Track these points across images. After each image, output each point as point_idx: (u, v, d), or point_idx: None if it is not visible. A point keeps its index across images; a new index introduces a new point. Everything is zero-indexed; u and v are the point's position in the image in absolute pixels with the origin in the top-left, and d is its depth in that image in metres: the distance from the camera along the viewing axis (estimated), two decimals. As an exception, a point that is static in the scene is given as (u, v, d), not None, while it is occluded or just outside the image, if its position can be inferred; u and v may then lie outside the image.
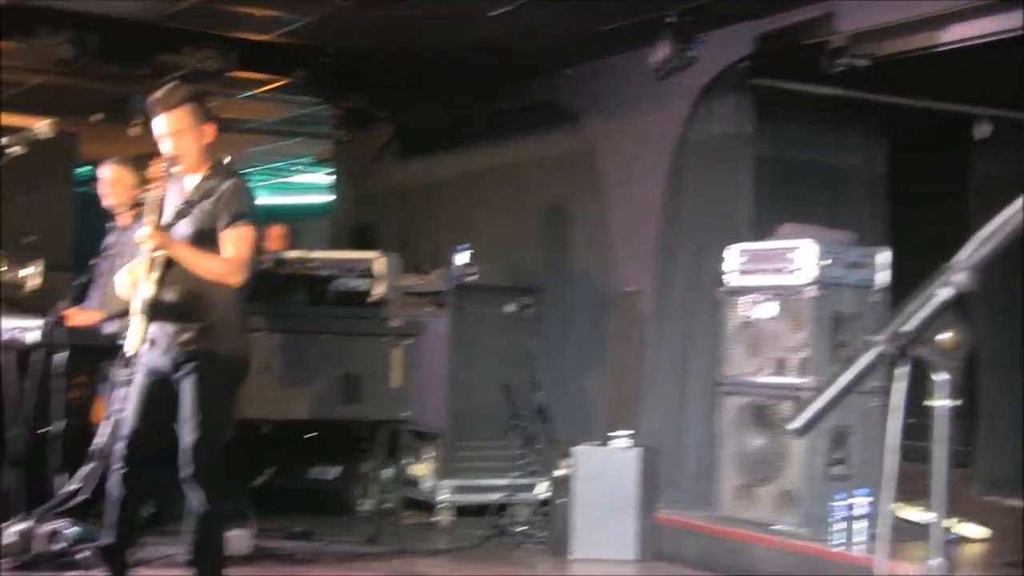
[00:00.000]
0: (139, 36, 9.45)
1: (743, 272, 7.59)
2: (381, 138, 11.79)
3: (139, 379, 5.89)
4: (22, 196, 9.41)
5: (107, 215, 7.83)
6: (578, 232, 9.36)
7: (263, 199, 17.23)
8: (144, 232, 5.77)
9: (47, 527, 6.81)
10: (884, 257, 7.43)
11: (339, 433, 8.86)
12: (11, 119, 10.86)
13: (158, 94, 5.95)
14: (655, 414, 8.28)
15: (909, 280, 2.66)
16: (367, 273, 7.85)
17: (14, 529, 6.73)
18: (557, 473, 7.99)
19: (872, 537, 6.86)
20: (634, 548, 7.71)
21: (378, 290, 7.93)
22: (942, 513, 2.48)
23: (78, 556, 6.70)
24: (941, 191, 9.71)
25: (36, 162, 8.70)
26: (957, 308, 2.38)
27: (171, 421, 5.92)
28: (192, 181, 5.95)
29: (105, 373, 7.47)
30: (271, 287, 7.79)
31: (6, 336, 7.20)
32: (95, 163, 8.68)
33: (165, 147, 5.88)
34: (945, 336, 2.40)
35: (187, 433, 5.83)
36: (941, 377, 2.44)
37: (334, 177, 13.37)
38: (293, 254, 8.99)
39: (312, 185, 16.98)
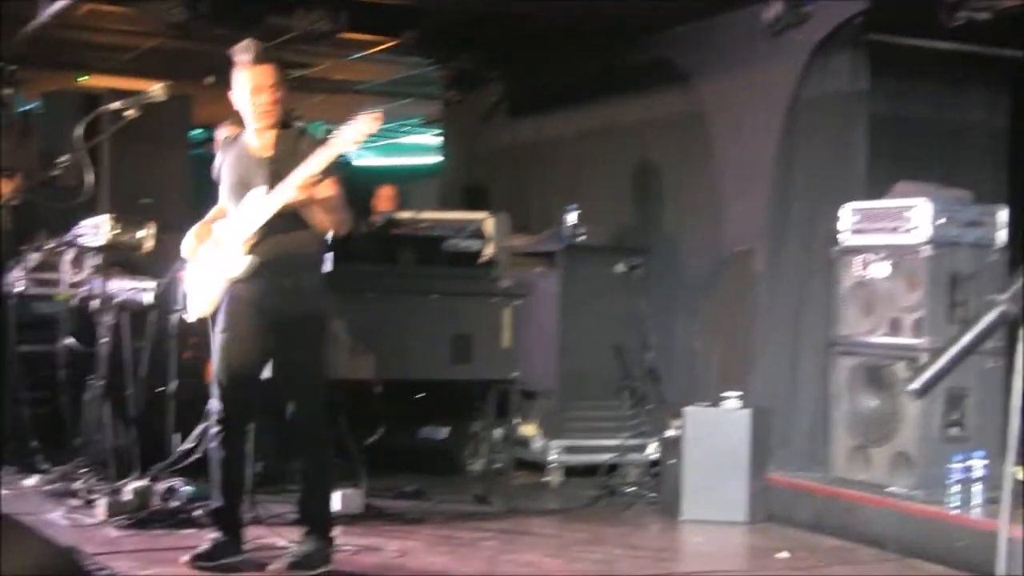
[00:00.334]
0: (250, -2, 9.53)
1: (857, 231, 7.49)
2: (491, 99, 11.77)
3: (226, 339, 5.97)
4: (137, 159, 9.51)
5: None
6: (689, 191, 9.28)
7: (373, 160, 17.31)
8: (256, 193, 5.83)
9: (162, 485, 6.92)
10: (1003, 215, 7.29)
11: (449, 393, 8.90)
12: (126, 83, 11.02)
13: (251, 46, 5.99)
14: (767, 375, 8.21)
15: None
16: (477, 233, 7.85)
17: (130, 488, 6.84)
18: (667, 434, 7.96)
19: (989, 500, 6.76)
20: (745, 510, 7.67)
21: (488, 250, 7.93)
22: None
23: (192, 514, 6.81)
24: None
25: (151, 125, 8.84)
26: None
27: (260, 380, 6.03)
28: (263, 140, 6.00)
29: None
30: (381, 248, 7.82)
31: (121, 297, 7.31)
32: (208, 126, 8.77)
33: (254, 100, 5.93)
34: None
35: (291, 391, 5.96)
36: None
37: (443, 138, 13.38)
38: (403, 215, 9.03)
39: (422, 146, 17.02)
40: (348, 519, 6.86)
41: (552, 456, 8.79)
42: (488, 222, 9.66)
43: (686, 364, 9.13)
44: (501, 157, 11.69)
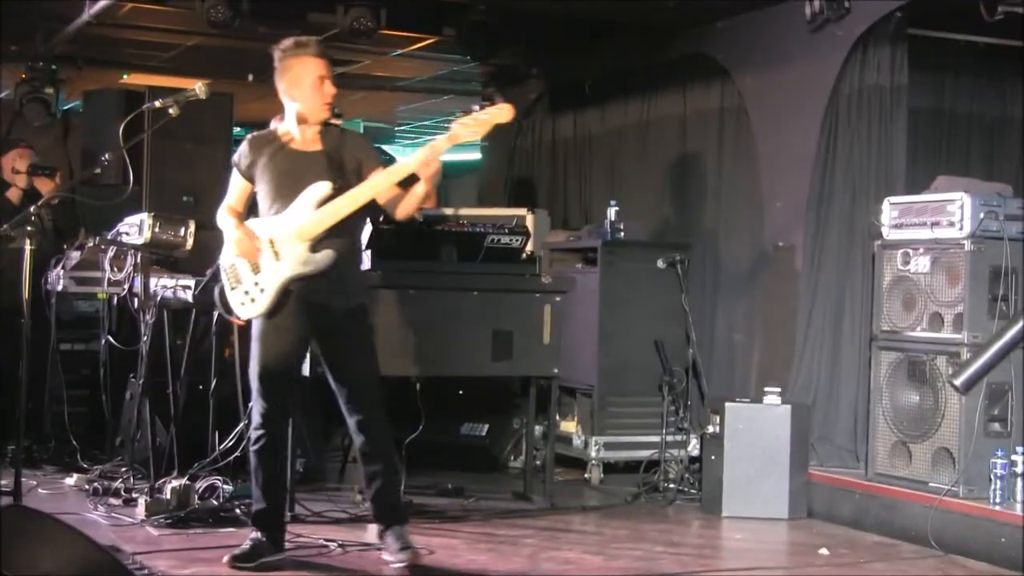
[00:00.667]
0: (292, -5, 9.58)
1: (898, 226, 7.44)
2: (531, 94, 11.77)
3: (274, 337, 5.95)
4: (178, 157, 9.56)
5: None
6: (729, 187, 9.25)
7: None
8: (322, 187, 5.84)
9: (202, 484, 6.95)
10: (1046, 209, 7.24)
11: (490, 390, 8.91)
12: (167, 81, 11.08)
13: (310, 40, 6.05)
14: (808, 370, 8.18)
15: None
16: (518, 230, 7.84)
17: (170, 486, 6.87)
18: (708, 430, 7.94)
19: (1032, 496, 6.74)
20: (786, 506, 7.65)
21: (528, 247, 7.92)
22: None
23: (232, 513, 6.84)
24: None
25: (192, 123, 8.91)
26: None
27: (301, 378, 6.04)
28: (308, 134, 6.02)
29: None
30: (422, 244, 7.83)
31: (162, 295, 7.34)
32: (250, 124, 8.80)
33: (320, 91, 5.94)
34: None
35: (359, 376, 6.01)
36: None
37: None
38: (444, 211, 9.04)
39: (460, 143, 17.01)
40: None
41: (593, 453, 8.78)
42: (528, 218, 9.68)
43: (727, 360, 9.11)
44: (541, 153, 11.69)
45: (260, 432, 6.00)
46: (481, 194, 12.77)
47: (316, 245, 5.86)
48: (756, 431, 7.70)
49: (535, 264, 7.99)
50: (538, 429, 8.45)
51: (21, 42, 10.64)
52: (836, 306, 8.17)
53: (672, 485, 8.29)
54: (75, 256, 8.17)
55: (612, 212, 9.10)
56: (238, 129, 10.99)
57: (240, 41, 10.46)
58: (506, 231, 7.71)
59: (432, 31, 10.34)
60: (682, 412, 8.66)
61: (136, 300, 7.39)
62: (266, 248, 5.91)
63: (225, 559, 5.91)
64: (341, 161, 5.95)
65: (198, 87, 6.81)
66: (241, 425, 7.01)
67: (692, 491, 8.19)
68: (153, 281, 7.39)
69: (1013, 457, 6.80)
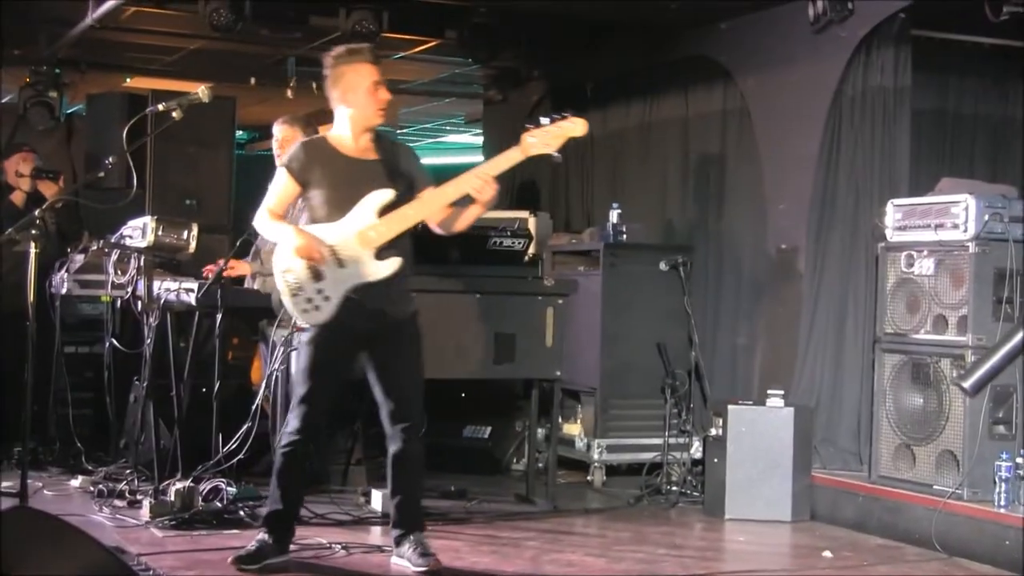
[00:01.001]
0: (293, -1, 9.58)
1: (902, 228, 7.44)
2: (532, 97, 11.77)
3: (329, 345, 5.92)
4: (182, 160, 9.57)
5: (265, 177, 7.92)
6: (732, 189, 9.25)
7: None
8: (385, 194, 5.84)
9: (206, 486, 6.95)
10: (1049, 211, 7.24)
11: (493, 392, 8.91)
12: (170, 85, 11.08)
13: (363, 47, 6.09)
14: (812, 372, 8.18)
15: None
16: (520, 232, 7.84)
17: (174, 488, 6.87)
18: (711, 432, 7.94)
19: (1036, 499, 6.75)
20: (789, 508, 7.65)
21: (531, 249, 7.93)
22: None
23: (236, 514, 6.85)
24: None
25: (195, 126, 8.91)
26: None
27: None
28: (361, 142, 6.00)
29: (264, 334, 7.59)
30: (425, 247, 7.82)
31: (166, 298, 7.34)
32: (252, 127, 8.83)
33: (376, 96, 5.95)
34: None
35: (409, 386, 6.03)
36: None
37: (485, 137, 13.38)
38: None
39: (463, 145, 17.03)
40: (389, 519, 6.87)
41: (595, 455, 8.78)
42: (531, 221, 9.68)
43: (729, 362, 9.11)
44: (543, 155, 11.66)
45: (296, 438, 5.95)
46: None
47: (380, 252, 5.85)
48: (759, 433, 7.70)
49: (537, 267, 7.99)
50: (541, 431, 8.45)
51: (24, 46, 10.65)
52: (839, 308, 8.16)
53: (675, 488, 8.28)
54: (79, 259, 8.17)
55: (614, 214, 9.11)
56: (240, 133, 11.01)
57: (242, 45, 10.48)
58: (508, 234, 7.71)
59: (434, 34, 10.35)
60: (685, 414, 8.65)
61: (139, 303, 7.40)
62: (328, 255, 5.83)
63: (230, 560, 5.91)
64: (399, 171, 5.96)
65: (201, 91, 6.83)
66: (244, 428, 7.01)
67: (695, 494, 8.19)
68: (156, 284, 7.39)
69: (1018, 459, 6.80)
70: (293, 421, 5.97)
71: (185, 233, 7.49)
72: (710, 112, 9.51)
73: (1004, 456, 6.81)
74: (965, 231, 7.05)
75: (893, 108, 8.07)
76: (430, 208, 5.92)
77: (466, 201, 5.95)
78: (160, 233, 7.38)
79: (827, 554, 6.84)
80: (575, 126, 5.88)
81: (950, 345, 7.07)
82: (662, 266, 8.76)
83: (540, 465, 8.28)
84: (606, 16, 9.66)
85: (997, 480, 6.80)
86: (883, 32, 8.00)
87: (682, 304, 8.73)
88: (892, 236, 7.49)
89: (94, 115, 10.25)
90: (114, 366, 8.15)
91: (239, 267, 7.70)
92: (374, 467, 8.02)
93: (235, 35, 9.40)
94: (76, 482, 7.79)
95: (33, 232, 6.24)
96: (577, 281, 8.36)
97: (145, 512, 6.84)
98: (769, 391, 7.83)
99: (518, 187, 11.81)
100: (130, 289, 7.50)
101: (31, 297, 6.26)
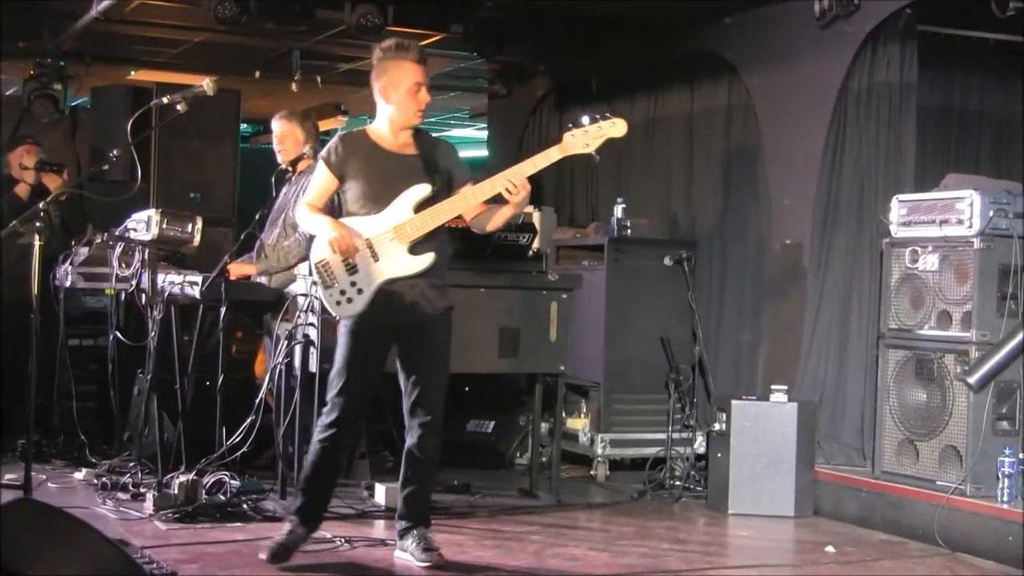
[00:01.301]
0: (299, -9, 9.57)
1: (906, 223, 7.45)
2: (538, 91, 11.77)
3: (367, 337, 5.92)
4: (186, 153, 9.57)
5: (269, 170, 7.93)
6: (736, 185, 9.24)
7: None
8: (422, 189, 5.83)
9: (210, 479, 6.95)
10: (1054, 207, 7.24)
11: (497, 386, 8.91)
12: (174, 78, 11.08)
13: (412, 43, 6.03)
14: (815, 368, 8.17)
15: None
16: (525, 227, 7.84)
17: (178, 481, 6.88)
18: (715, 427, 7.94)
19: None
20: (793, 504, 7.66)
21: (535, 244, 7.92)
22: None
23: (240, 507, 6.85)
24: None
25: (200, 119, 8.91)
26: None
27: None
28: (401, 138, 6.00)
29: (269, 328, 7.60)
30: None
31: (170, 291, 7.35)
32: (257, 120, 8.83)
33: (417, 96, 5.93)
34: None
35: (436, 381, 6.02)
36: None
37: (489, 131, 13.37)
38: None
39: (468, 139, 17.03)
40: (394, 513, 6.88)
41: (599, 450, 8.78)
42: (535, 216, 9.66)
43: (733, 357, 9.10)
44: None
45: (333, 431, 5.92)
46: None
47: (415, 247, 5.84)
48: (762, 429, 7.70)
49: (542, 261, 7.99)
50: (545, 426, 8.46)
51: (29, 39, 10.65)
52: (844, 304, 8.16)
53: (678, 482, 8.28)
54: (83, 252, 8.16)
55: (619, 209, 9.11)
56: (245, 126, 11.00)
57: (248, 38, 10.48)
58: (513, 228, 7.70)
59: (439, 28, 10.33)
60: (688, 409, 8.65)
61: (144, 296, 7.40)
62: (363, 248, 5.84)
63: (263, 556, 5.89)
64: (437, 166, 5.95)
65: (205, 83, 6.83)
66: (248, 421, 7.02)
67: (698, 488, 8.20)
68: (161, 277, 7.40)
69: (1021, 455, 6.80)
70: (330, 414, 5.93)
71: (189, 226, 7.48)
72: (715, 108, 9.49)
73: (1007, 452, 6.81)
74: (970, 227, 7.06)
75: (899, 104, 8.06)
76: (465, 205, 5.91)
77: (500, 200, 5.94)
78: (164, 226, 7.37)
79: (830, 549, 6.85)
80: (615, 127, 5.89)
81: (954, 341, 7.08)
82: (666, 261, 8.76)
83: (544, 459, 8.28)
84: (612, 12, 9.64)
85: (1000, 476, 6.80)
86: (889, 28, 7.99)
87: (686, 299, 8.73)
88: (897, 232, 7.49)
89: (98, 108, 10.25)
90: (118, 359, 8.14)
91: (243, 269, 7.68)
92: (378, 461, 8.03)
93: (240, 28, 9.40)
94: (80, 475, 7.80)
95: (37, 225, 6.24)
96: (581, 276, 8.37)
97: (149, 505, 6.85)
98: (773, 386, 7.83)
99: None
100: (134, 282, 7.50)
101: (35, 290, 6.26)
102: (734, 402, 7.81)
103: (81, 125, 11.23)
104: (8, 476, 7.14)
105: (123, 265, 7.57)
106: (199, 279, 7.24)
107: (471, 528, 7.01)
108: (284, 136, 7.86)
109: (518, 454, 9.12)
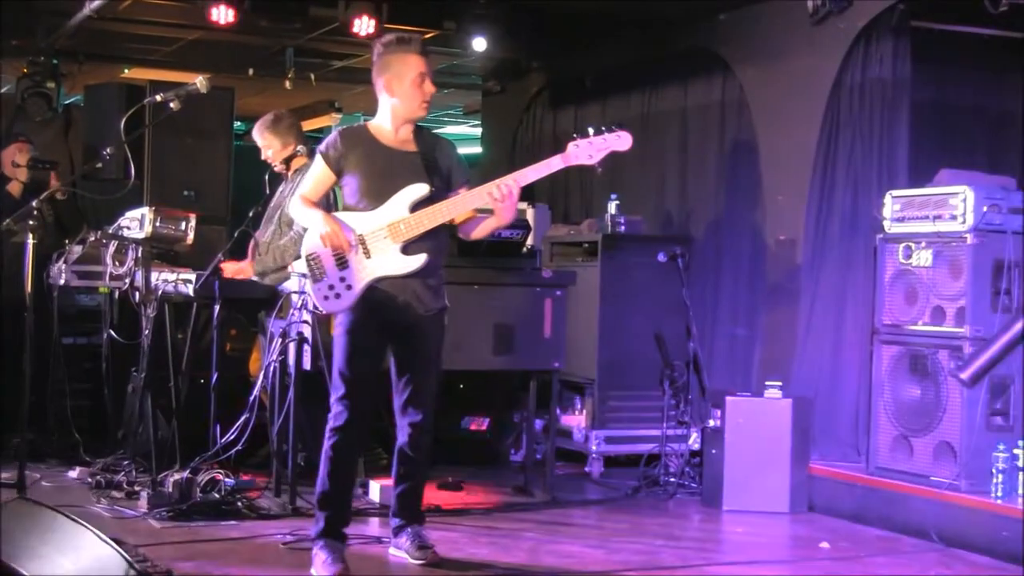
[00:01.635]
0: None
1: (900, 219, 7.45)
2: (532, 88, 11.77)
3: (363, 334, 5.86)
4: (180, 151, 9.54)
5: (263, 168, 7.91)
6: (730, 181, 9.24)
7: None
8: (420, 189, 5.81)
9: (204, 477, 6.95)
10: (1048, 203, 7.25)
11: (491, 383, 8.90)
12: (168, 75, 11.07)
13: (413, 36, 6.05)
14: (809, 364, 8.18)
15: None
16: (519, 224, 7.83)
17: (172, 480, 6.87)
18: (709, 424, 7.94)
19: (1034, 490, 6.77)
20: (787, 500, 7.66)
21: (529, 241, 7.92)
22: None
23: (234, 505, 6.85)
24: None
25: (193, 117, 8.89)
26: None
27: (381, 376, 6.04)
28: (402, 134, 5.96)
29: (263, 325, 7.59)
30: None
31: (163, 289, 7.34)
32: (251, 118, 8.79)
33: (422, 89, 5.91)
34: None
35: (426, 381, 6.00)
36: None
37: (483, 128, 13.37)
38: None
39: (461, 136, 17.02)
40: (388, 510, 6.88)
41: (593, 446, 8.78)
42: (529, 212, 9.67)
43: (727, 353, 9.11)
44: (542, 147, 11.67)
45: (341, 435, 5.85)
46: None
47: (409, 247, 5.81)
48: (757, 425, 7.70)
49: (536, 258, 7.98)
50: (539, 423, 8.45)
51: (22, 37, 10.63)
52: (838, 300, 8.16)
53: (673, 479, 8.28)
54: (77, 250, 8.16)
55: (612, 206, 9.10)
56: (239, 124, 10.99)
57: (241, 35, 10.46)
58: (507, 226, 7.68)
59: (433, 25, 10.33)
60: (683, 406, 8.65)
61: (137, 294, 7.39)
62: (356, 244, 5.80)
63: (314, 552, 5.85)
64: (436, 165, 5.92)
65: (199, 81, 6.82)
66: (242, 419, 7.01)
67: (693, 485, 8.19)
68: (154, 275, 7.39)
69: (1015, 451, 6.81)
70: (339, 418, 5.86)
71: (183, 224, 7.48)
72: (709, 104, 9.50)
73: (1002, 447, 6.82)
74: (963, 222, 7.06)
75: (892, 100, 8.06)
76: (462, 209, 5.88)
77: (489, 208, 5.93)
78: (158, 224, 7.36)
79: (824, 545, 6.85)
80: (621, 140, 5.85)
81: (948, 336, 7.08)
82: (660, 257, 8.75)
83: (538, 456, 8.28)
84: (606, 8, 9.64)
85: (994, 471, 6.81)
86: (882, 23, 7.99)
87: (680, 295, 8.71)
88: (890, 227, 7.50)
89: (92, 106, 10.23)
90: (112, 357, 8.14)
91: (241, 271, 7.66)
92: (372, 459, 8.02)
93: (233, 26, 9.38)
94: (74, 473, 7.80)
95: (31, 223, 6.23)
96: (575, 272, 8.36)
97: (143, 503, 6.86)
98: (767, 382, 7.84)
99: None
100: (128, 280, 7.49)
101: (29, 288, 6.25)
102: (728, 398, 7.81)
103: (74, 123, 11.21)
104: (2, 475, 7.13)
105: (117, 263, 7.56)
106: (193, 277, 7.24)
107: (465, 525, 7.01)
108: (263, 148, 7.84)
109: (513, 451, 9.12)
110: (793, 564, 6.68)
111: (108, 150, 7.07)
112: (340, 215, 5.89)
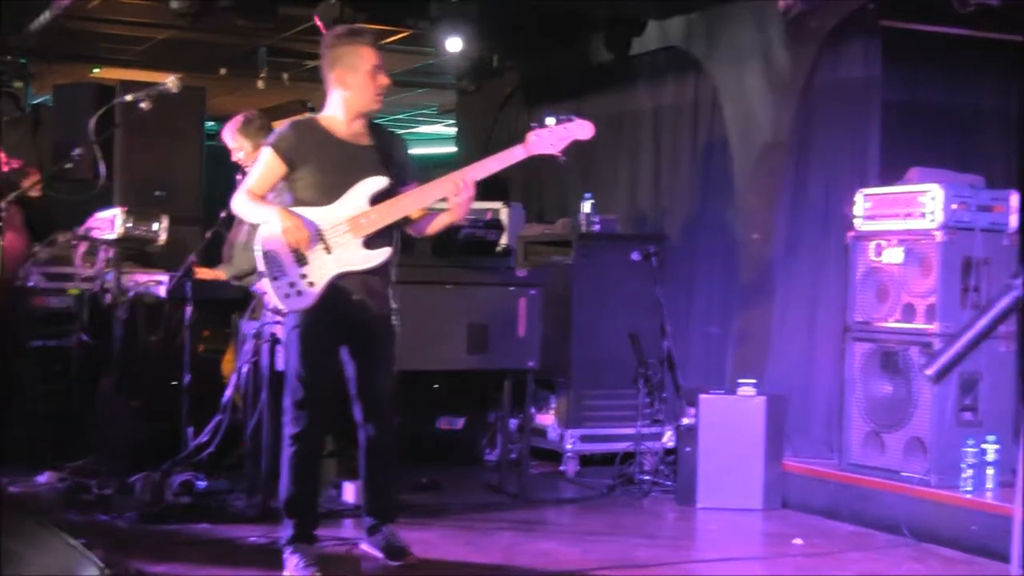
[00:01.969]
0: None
1: (871, 217, 7.48)
2: (506, 88, 11.76)
3: (319, 334, 5.78)
4: (151, 151, 9.51)
5: (235, 167, 7.89)
6: (703, 179, 9.26)
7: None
8: (379, 182, 5.75)
9: (176, 479, 6.92)
10: (1016, 200, 7.28)
11: (465, 383, 8.90)
12: (138, 75, 11.03)
13: (365, 28, 6.00)
14: (783, 361, 8.20)
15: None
16: (493, 223, 7.83)
17: (144, 482, 6.84)
18: (683, 422, 7.96)
19: (1003, 484, 6.82)
20: (761, 497, 7.67)
21: (503, 240, 7.91)
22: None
23: (207, 508, 6.83)
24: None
25: (164, 117, 8.85)
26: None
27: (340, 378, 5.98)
28: (355, 127, 5.87)
29: (236, 326, 7.57)
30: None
31: (135, 291, 7.32)
32: (223, 117, 8.75)
33: (376, 80, 5.82)
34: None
35: (385, 380, 5.97)
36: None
37: (458, 127, 13.37)
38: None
39: (436, 135, 17.03)
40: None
41: (568, 445, 8.78)
42: (503, 212, 9.67)
43: (702, 352, 9.12)
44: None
45: (301, 444, 5.78)
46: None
47: (370, 241, 5.75)
48: (731, 422, 7.72)
49: (510, 257, 7.98)
50: (514, 422, 8.45)
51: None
52: (811, 297, 8.19)
53: (647, 477, 8.28)
54: (47, 252, 8.11)
55: (587, 205, 9.10)
56: (210, 123, 10.95)
57: (213, 35, 10.44)
58: (481, 225, 7.69)
59: (406, 24, 10.33)
60: (657, 404, 8.65)
61: (109, 296, 7.35)
62: (315, 239, 5.71)
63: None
64: (392, 158, 5.86)
65: (170, 81, 6.81)
66: (215, 421, 6.99)
67: (667, 483, 8.19)
68: (126, 277, 7.35)
69: (984, 446, 6.85)
70: (296, 425, 5.77)
71: (155, 225, 7.45)
72: (682, 104, 9.51)
73: (971, 442, 6.85)
74: (933, 220, 7.10)
75: (863, 99, 8.08)
76: (426, 201, 5.82)
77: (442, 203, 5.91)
78: (129, 225, 7.34)
79: (797, 541, 6.87)
80: (582, 128, 5.85)
81: (919, 333, 7.11)
82: (634, 256, 8.75)
83: (513, 456, 8.28)
84: (579, 7, 9.64)
85: (964, 466, 6.85)
86: (853, 23, 8.02)
87: (654, 294, 8.72)
88: (862, 225, 7.52)
89: (61, 106, 10.18)
90: (83, 360, 8.10)
91: (213, 275, 7.62)
92: (345, 460, 8.00)
93: (205, 25, 9.35)
94: (43, 477, 7.74)
95: (-1, 224, 6.21)
96: (549, 271, 8.36)
97: (114, 506, 6.80)
98: (741, 380, 7.84)
99: (490, 177, 11.78)
100: (99, 282, 7.45)
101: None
102: (703, 396, 7.81)
103: (43, 123, 11.16)
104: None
105: (87, 265, 7.54)
106: (165, 278, 7.21)
107: (440, 525, 7.00)
108: (234, 151, 7.80)
109: (488, 450, 9.11)
110: (767, 560, 6.71)
111: (78, 150, 7.05)
112: (297, 210, 5.74)
